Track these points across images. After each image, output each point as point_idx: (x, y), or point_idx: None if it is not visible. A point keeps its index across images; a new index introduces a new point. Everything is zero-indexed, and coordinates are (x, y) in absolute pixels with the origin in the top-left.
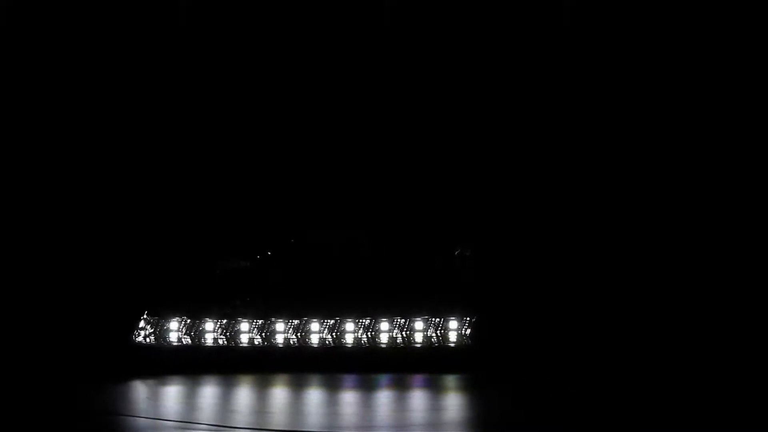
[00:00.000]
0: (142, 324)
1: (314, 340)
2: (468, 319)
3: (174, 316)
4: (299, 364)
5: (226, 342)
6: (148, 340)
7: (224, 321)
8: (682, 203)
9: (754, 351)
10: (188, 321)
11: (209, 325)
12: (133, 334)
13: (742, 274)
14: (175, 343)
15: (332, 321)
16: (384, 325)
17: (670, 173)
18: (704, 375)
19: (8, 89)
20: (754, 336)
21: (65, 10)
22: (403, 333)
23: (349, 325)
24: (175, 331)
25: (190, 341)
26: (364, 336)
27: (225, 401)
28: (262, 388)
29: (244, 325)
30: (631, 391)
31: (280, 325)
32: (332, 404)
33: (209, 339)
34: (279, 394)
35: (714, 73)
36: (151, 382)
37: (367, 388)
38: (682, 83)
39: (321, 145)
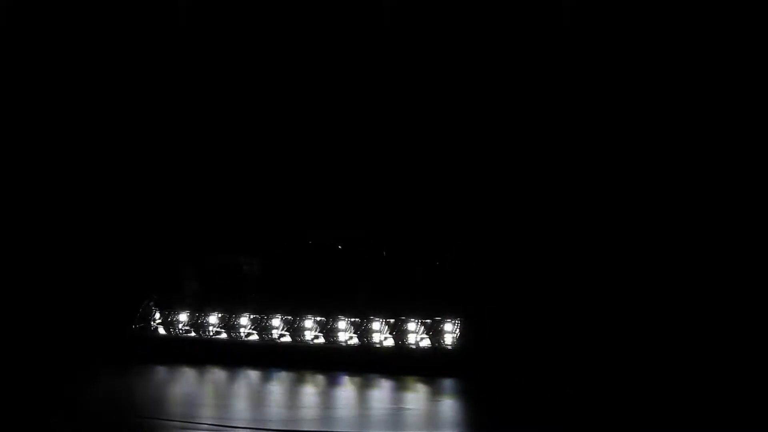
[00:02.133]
0: (157, 316)
1: (308, 336)
2: (460, 321)
3: (184, 309)
4: (295, 360)
5: (226, 335)
6: (159, 330)
7: (224, 315)
8: (678, 202)
9: (754, 351)
10: (195, 314)
11: (212, 318)
12: (145, 325)
13: (740, 274)
14: (183, 335)
15: (325, 319)
16: (375, 325)
17: (662, 174)
18: (704, 375)
19: (8, 89)
20: (754, 336)
21: (65, 10)
22: (394, 333)
23: (341, 324)
24: (184, 323)
25: (194, 333)
26: (356, 335)
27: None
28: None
29: (243, 320)
30: (629, 391)
31: (275, 321)
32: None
33: (212, 331)
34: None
35: (714, 73)
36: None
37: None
38: (678, 84)
39: (320, 149)
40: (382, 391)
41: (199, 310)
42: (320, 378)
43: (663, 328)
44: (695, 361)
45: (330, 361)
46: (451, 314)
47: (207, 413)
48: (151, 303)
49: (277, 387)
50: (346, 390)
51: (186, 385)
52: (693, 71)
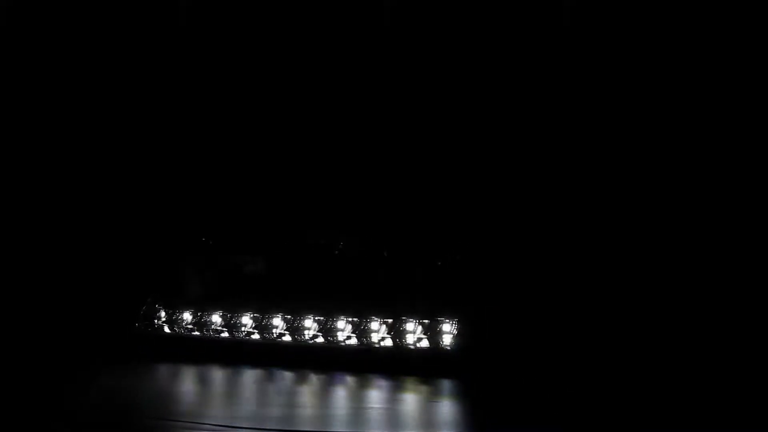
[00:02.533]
0: (162, 314)
1: (307, 335)
2: (458, 321)
3: (187, 308)
4: (296, 358)
5: (228, 334)
6: (164, 329)
7: (225, 314)
8: (678, 203)
9: (754, 351)
10: (198, 313)
11: (215, 317)
12: (149, 323)
13: (739, 274)
14: (187, 333)
15: (324, 318)
16: (374, 325)
17: (661, 174)
18: (704, 375)
19: (8, 89)
20: (754, 336)
21: (65, 10)
22: (392, 333)
23: (340, 323)
24: (187, 321)
25: (197, 332)
26: (354, 335)
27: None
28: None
29: (244, 319)
30: (629, 391)
31: (276, 321)
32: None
33: (214, 330)
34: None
35: (714, 73)
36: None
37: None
38: (678, 83)
39: (321, 150)
40: (376, 391)
41: (202, 309)
42: (314, 377)
43: (663, 328)
44: (695, 361)
45: (329, 361)
46: (450, 314)
47: (203, 412)
48: (156, 302)
49: (269, 387)
50: (341, 390)
51: (189, 384)
52: (693, 71)
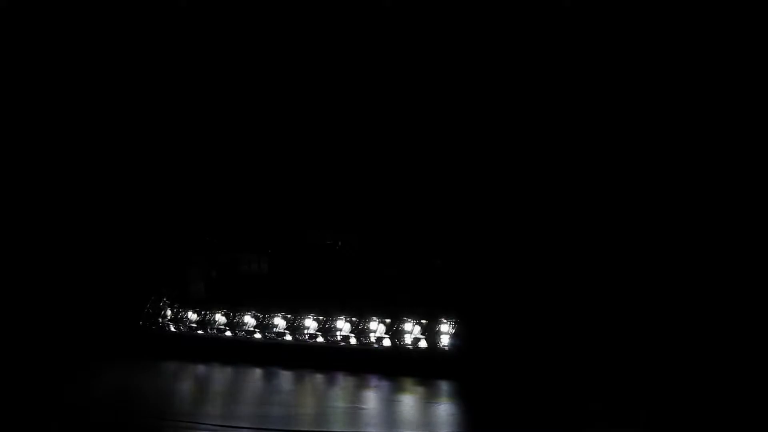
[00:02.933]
0: (168, 313)
1: (307, 335)
2: (457, 321)
3: (190, 307)
4: (296, 357)
5: (230, 332)
6: (170, 327)
7: (230, 313)
8: (675, 201)
9: (754, 351)
10: (202, 312)
11: (219, 316)
12: (154, 321)
13: (739, 274)
14: (190, 331)
15: (324, 318)
16: (372, 325)
17: (654, 169)
18: (703, 375)
19: (8, 89)
20: (754, 336)
21: (65, 9)
22: (390, 333)
23: (339, 323)
24: (192, 320)
25: (202, 331)
26: (353, 335)
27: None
28: None
29: (247, 318)
30: (628, 391)
31: (277, 320)
32: None
33: (217, 329)
34: None
35: (714, 73)
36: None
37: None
38: (673, 83)
39: (324, 153)
40: (374, 391)
41: (206, 307)
42: (313, 377)
43: (662, 328)
44: (695, 362)
45: (328, 360)
46: (448, 315)
47: (204, 411)
48: (160, 300)
49: (270, 386)
50: (339, 389)
51: (192, 383)
52: (692, 71)
